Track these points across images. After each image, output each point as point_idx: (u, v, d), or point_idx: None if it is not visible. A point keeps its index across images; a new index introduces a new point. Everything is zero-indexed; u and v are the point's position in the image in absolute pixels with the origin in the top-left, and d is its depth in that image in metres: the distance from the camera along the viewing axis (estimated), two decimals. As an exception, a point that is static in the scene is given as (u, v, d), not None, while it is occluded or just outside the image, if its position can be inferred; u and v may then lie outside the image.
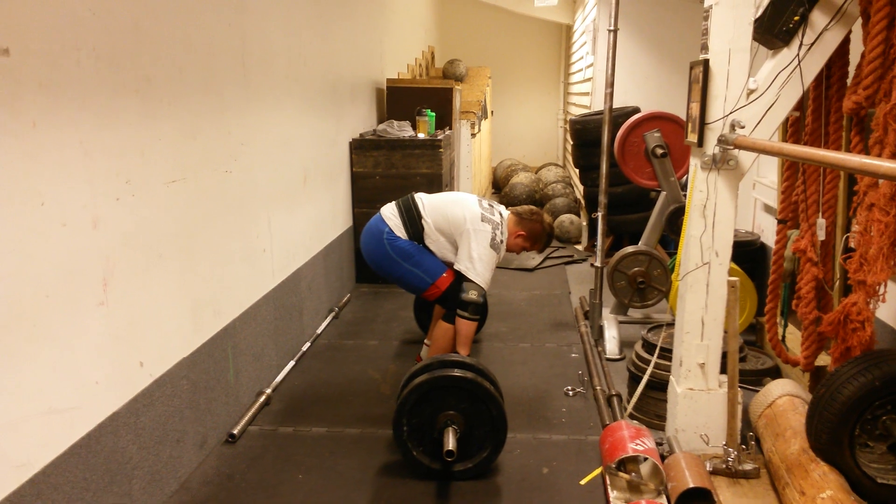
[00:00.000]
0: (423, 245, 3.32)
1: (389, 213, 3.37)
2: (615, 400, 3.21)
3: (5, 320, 1.75)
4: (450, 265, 3.32)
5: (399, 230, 3.30)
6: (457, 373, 2.62)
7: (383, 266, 3.34)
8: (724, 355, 2.61)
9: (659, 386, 2.95)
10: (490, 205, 3.41)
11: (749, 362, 3.33)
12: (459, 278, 3.26)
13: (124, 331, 2.23)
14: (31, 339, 1.83)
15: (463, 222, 3.26)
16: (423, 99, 5.83)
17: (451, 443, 2.50)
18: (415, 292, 3.49)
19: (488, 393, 2.61)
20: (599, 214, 4.08)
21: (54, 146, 1.89)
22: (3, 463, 1.76)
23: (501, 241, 3.31)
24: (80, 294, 2.02)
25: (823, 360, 2.95)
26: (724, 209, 2.54)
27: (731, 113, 2.44)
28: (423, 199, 3.40)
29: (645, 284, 4.01)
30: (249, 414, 3.12)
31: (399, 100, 5.95)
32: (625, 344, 3.93)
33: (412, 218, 3.32)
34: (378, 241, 3.31)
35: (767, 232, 4.19)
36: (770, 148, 2.21)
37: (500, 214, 3.39)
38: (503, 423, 2.64)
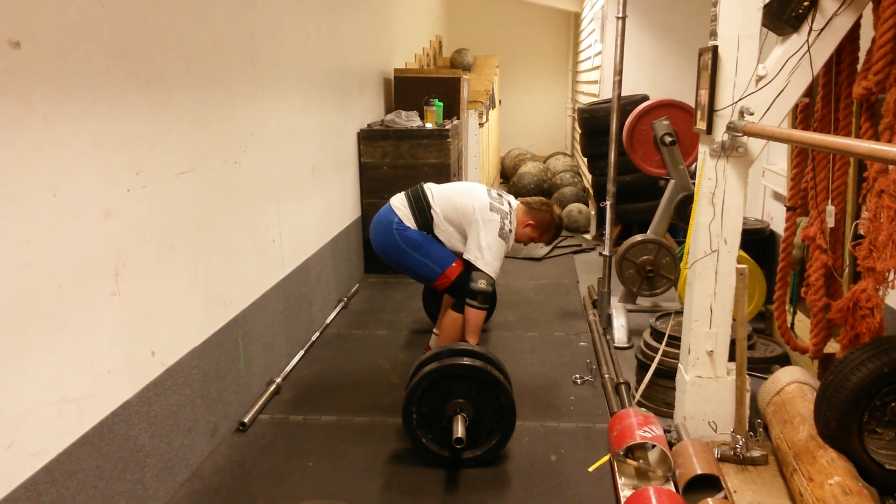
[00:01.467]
0: (432, 235, 3.34)
1: (399, 203, 3.38)
2: (623, 388, 3.22)
3: (20, 311, 1.77)
4: (459, 255, 3.33)
5: (408, 220, 3.31)
6: (466, 361, 2.64)
7: (393, 256, 3.36)
8: (733, 343, 2.61)
9: (667, 374, 2.95)
10: (499, 195, 3.41)
11: (758, 350, 3.32)
12: (469, 268, 3.27)
13: (136, 321, 2.25)
14: (45, 330, 1.86)
15: (472, 212, 3.26)
16: (430, 89, 5.82)
17: (460, 430, 2.52)
18: (424, 282, 3.50)
19: (497, 381, 2.62)
20: (608, 203, 4.07)
21: (66, 138, 1.91)
22: (19, 451, 1.78)
23: (510, 231, 3.32)
24: (93, 285, 2.04)
25: (832, 347, 2.94)
26: (732, 197, 2.54)
27: (740, 100, 2.43)
28: (432, 190, 3.41)
29: (654, 273, 4.01)
30: (260, 403, 3.15)
31: (407, 90, 5.94)
32: (633, 332, 3.94)
33: (421, 208, 3.33)
34: (388, 231, 3.32)
35: (777, 220, 4.17)
36: (779, 135, 2.20)
37: (510, 204, 3.40)
38: (512, 411, 2.65)
